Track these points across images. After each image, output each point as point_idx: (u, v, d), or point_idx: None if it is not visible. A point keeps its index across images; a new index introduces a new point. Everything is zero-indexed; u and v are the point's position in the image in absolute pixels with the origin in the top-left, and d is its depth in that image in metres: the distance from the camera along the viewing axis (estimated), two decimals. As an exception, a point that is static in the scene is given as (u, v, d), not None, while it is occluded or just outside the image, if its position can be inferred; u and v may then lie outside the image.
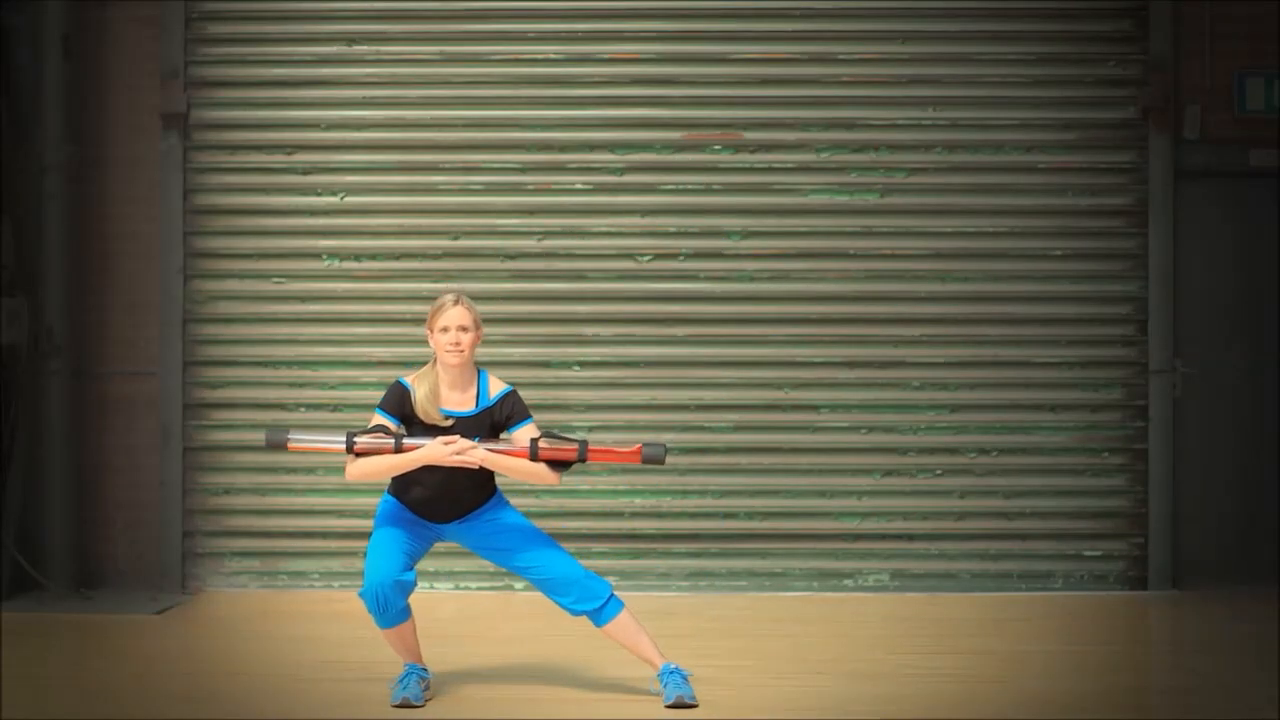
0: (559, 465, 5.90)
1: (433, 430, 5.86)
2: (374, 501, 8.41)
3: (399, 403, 5.92)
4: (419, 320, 8.46)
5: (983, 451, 8.45)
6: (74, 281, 8.32)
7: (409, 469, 5.84)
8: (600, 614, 5.98)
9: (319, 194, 8.53)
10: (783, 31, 8.50)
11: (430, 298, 8.35)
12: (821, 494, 8.44)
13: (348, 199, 8.53)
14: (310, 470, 8.49)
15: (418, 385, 5.93)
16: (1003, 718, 5.80)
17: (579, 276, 8.48)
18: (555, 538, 8.37)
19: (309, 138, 8.52)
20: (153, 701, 6.09)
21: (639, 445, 5.95)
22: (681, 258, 8.48)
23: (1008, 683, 6.23)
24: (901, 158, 8.46)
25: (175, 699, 6.15)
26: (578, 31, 8.50)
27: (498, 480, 6.03)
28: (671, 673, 5.94)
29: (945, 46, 8.47)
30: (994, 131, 8.46)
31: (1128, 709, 6.08)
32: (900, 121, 8.47)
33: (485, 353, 8.48)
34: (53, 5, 8.19)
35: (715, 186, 8.48)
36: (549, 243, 8.48)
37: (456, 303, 5.95)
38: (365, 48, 8.52)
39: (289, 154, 8.53)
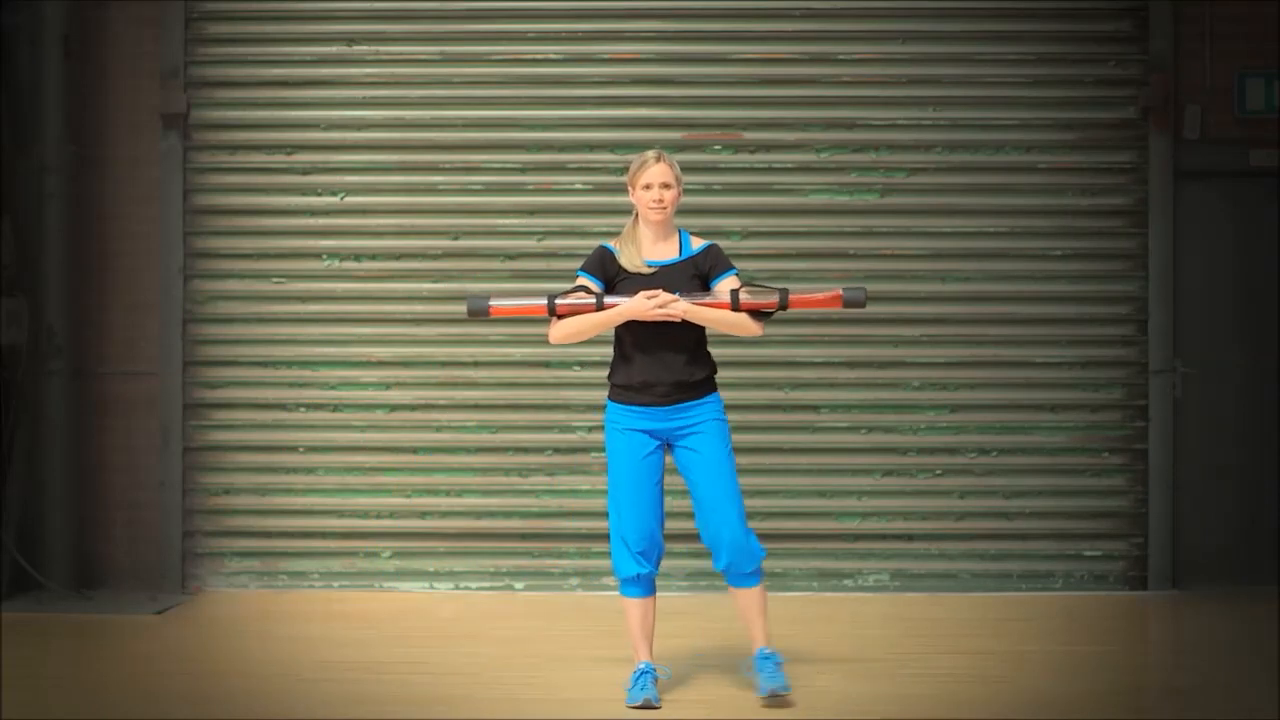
0: (761, 315, 5.94)
1: (635, 285, 5.89)
2: (373, 503, 8.51)
3: (600, 263, 6.01)
4: (419, 320, 8.51)
5: (983, 451, 8.45)
6: (74, 281, 8.32)
7: (612, 325, 5.92)
8: (739, 579, 6.02)
9: (319, 194, 8.53)
10: (783, 31, 8.50)
11: (430, 298, 8.49)
12: (821, 494, 8.44)
13: (348, 199, 8.53)
14: (310, 470, 8.49)
15: (621, 245, 6.02)
16: (1003, 718, 5.81)
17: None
18: (555, 538, 8.46)
19: (309, 138, 8.52)
20: (153, 701, 6.10)
21: (839, 290, 6.02)
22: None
23: (1008, 683, 6.24)
24: (901, 158, 8.47)
25: (175, 699, 6.15)
26: (578, 31, 8.50)
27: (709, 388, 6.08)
28: (765, 658, 5.97)
29: (945, 46, 8.47)
30: (994, 131, 8.46)
31: (1128, 709, 6.09)
32: (900, 121, 8.47)
33: (486, 353, 8.50)
34: (53, 5, 8.19)
35: (715, 186, 8.48)
36: (549, 243, 8.48)
37: (659, 160, 5.99)
38: (365, 48, 8.52)
39: (289, 154, 8.53)
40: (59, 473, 8.24)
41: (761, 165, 8.48)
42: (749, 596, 6.06)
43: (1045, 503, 8.42)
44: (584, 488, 8.43)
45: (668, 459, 6.21)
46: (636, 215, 6.06)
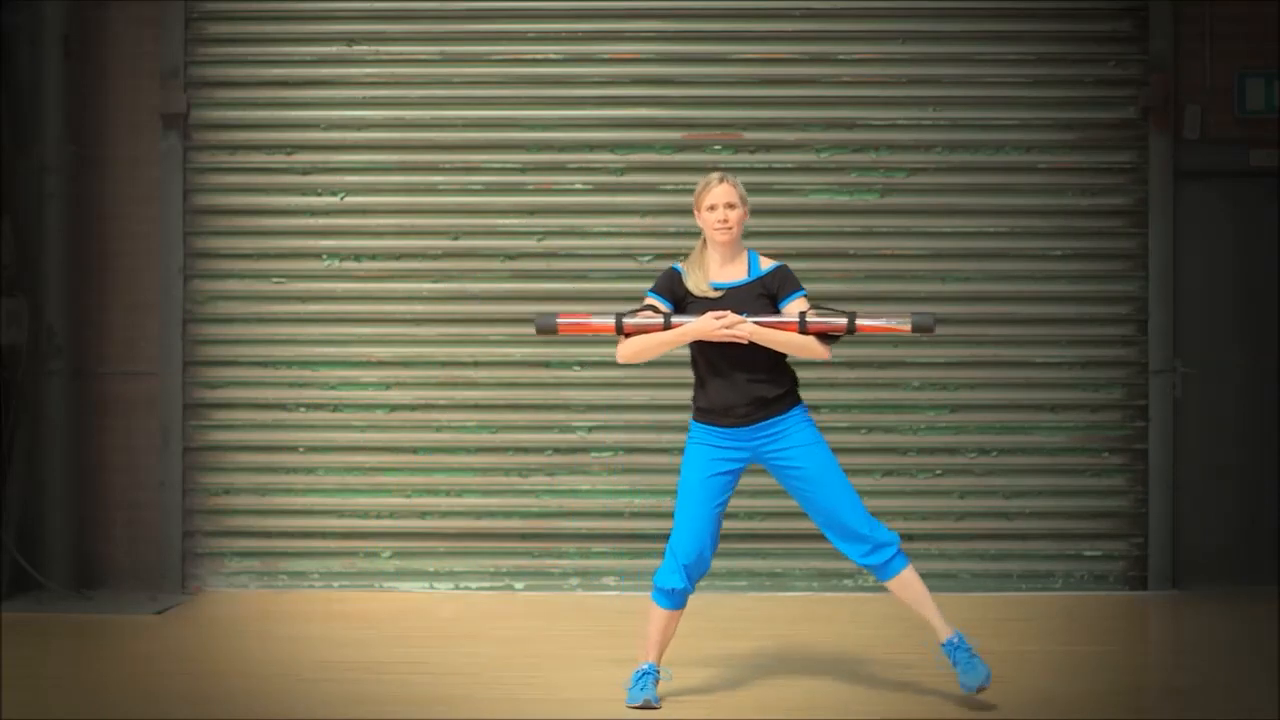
0: (828, 338, 5.90)
1: (703, 308, 5.88)
2: (373, 503, 8.51)
3: (669, 284, 5.99)
4: (419, 320, 8.51)
5: (983, 451, 8.45)
6: (74, 281, 8.32)
7: (678, 344, 5.91)
8: (886, 568, 5.96)
9: (319, 194, 8.53)
10: (783, 31, 8.50)
11: (430, 298, 8.49)
12: (821, 494, 8.42)
13: (348, 199, 8.53)
14: (310, 470, 8.49)
15: (689, 267, 6.00)
16: (1003, 718, 5.81)
17: (579, 276, 8.48)
18: (555, 538, 8.46)
19: (309, 138, 8.52)
20: (153, 701, 6.10)
21: (908, 315, 5.97)
22: (682, 258, 8.45)
23: (1008, 683, 6.23)
24: (901, 158, 8.46)
25: (175, 699, 6.15)
26: (578, 31, 8.50)
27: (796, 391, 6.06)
28: (955, 648, 5.89)
29: (945, 46, 8.47)
30: (994, 131, 8.46)
31: (1127, 709, 6.09)
32: (900, 121, 8.47)
33: (486, 353, 8.50)
34: (53, 5, 8.19)
35: (715, 186, 8.47)
36: (549, 243, 8.48)
37: (721, 181, 5.97)
38: (365, 48, 8.52)
39: (289, 154, 8.53)
40: (59, 473, 8.24)
41: (761, 165, 8.48)
42: (903, 585, 5.97)
43: (1045, 503, 8.42)
44: (584, 488, 8.44)
45: (762, 478, 6.18)
46: (704, 238, 6.02)
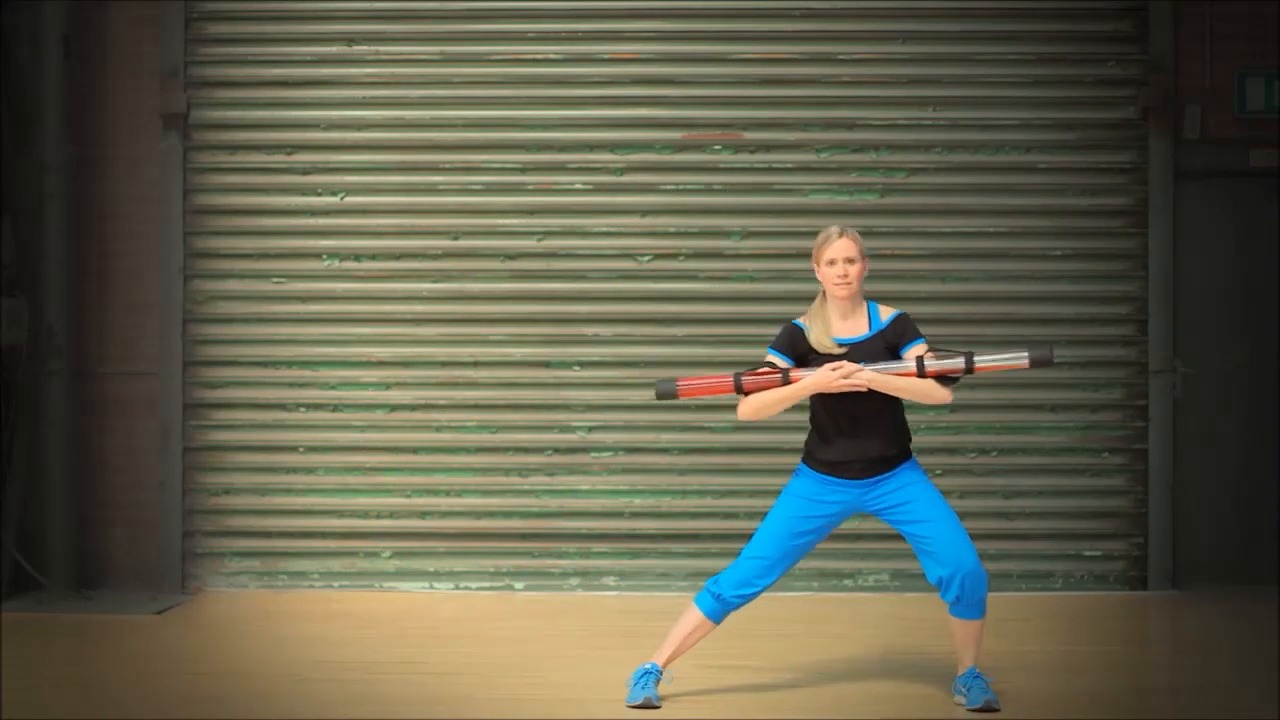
0: (948, 380, 5.85)
1: (827, 362, 5.84)
2: (373, 503, 8.51)
3: (790, 341, 5.95)
4: (419, 320, 8.51)
5: (983, 451, 8.45)
6: (74, 281, 8.32)
7: (798, 399, 5.88)
8: (970, 608, 5.94)
9: (319, 194, 8.53)
10: (783, 31, 8.50)
11: (430, 298, 8.49)
12: (821, 494, 8.42)
13: (348, 199, 8.53)
14: (310, 470, 8.49)
15: (810, 321, 5.95)
16: (1003, 718, 5.81)
17: (579, 276, 8.48)
18: (555, 538, 8.46)
19: (309, 138, 8.52)
20: (153, 701, 6.10)
21: (1025, 351, 5.90)
22: (681, 258, 8.48)
23: (1008, 683, 6.23)
24: (901, 158, 8.46)
25: (175, 699, 6.15)
26: (578, 31, 8.50)
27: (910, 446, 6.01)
28: (977, 677, 5.96)
29: (945, 46, 8.47)
30: (994, 131, 8.46)
31: (1127, 709, 6.09)
32: (900, 121, 8.47)
33: (486, 353, 8.50)
34: (53, 5, 8.19)
35: (715, 186, 8.48)
36: (549, 243, 8.48)
37: (841, 235, 5.94)
38: (365, 48, 8.52)
39: (289, 154, 8.53)
40: (59, 473, 8.23)
41: (761, 165, 8.48)
42: (966, 628, 5.98)
43: (1045, 503, 8.42)
44: (584, 488, 8.43)
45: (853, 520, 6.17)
46: (823, 291, 5.99)
